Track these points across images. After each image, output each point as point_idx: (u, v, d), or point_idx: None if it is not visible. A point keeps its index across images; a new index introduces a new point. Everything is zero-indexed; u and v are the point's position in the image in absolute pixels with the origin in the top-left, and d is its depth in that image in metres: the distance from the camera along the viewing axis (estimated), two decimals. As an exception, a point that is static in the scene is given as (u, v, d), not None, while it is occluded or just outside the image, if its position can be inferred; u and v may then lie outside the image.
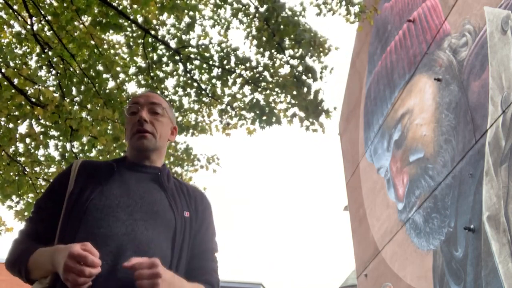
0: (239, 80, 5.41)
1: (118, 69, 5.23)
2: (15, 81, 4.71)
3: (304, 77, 4.85)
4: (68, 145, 5.25)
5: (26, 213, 5.40)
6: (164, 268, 1.22)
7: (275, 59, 5.02)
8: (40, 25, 5.25)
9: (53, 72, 5.32)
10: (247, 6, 5.06)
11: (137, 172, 1.47)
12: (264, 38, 4.89)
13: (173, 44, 5.45)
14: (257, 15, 4.99)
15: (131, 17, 5.10)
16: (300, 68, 4.86)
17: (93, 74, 4.89)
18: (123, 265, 1.19)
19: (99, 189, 1.37)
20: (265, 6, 4.80)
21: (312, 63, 4.89)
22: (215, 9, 5.43)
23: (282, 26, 4.67)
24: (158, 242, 1.33)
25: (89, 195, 1.36)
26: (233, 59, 5.28)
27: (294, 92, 4.93)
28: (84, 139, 5.19)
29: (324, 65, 4.99)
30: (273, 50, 4.92)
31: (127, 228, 1.30)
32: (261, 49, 5.06)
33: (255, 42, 5.09)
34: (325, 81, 4.98)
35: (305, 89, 4.85)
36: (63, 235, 1.32)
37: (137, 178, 1.45)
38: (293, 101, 5.09)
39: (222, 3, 5.21)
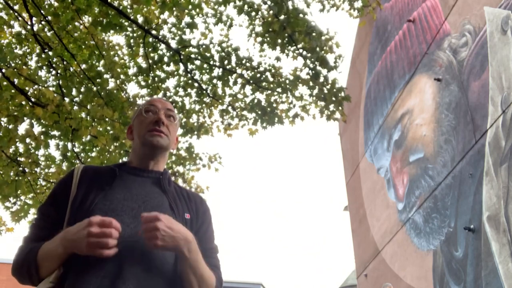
0: (240, 80, 5.40)
1: (119, 69, 5.22)
2: (15, 81, 4.70)
3: (318, 67, 4.82)
4: (69, 145, 5.24)
5: (21, 214, 5.38)
6: (175, 222, 1.31)
7: (287, 52, 5.00)
8: (40, 25, 5.25)
9: (53, 72, 5.32)
10: (250, 3, 5.04)
11: (138, 177, 1.50)
12: (272, 33, 4.86)
13: (173, 44, 5.44)
14: (260, 11, 4.96)
15: (132, 17, 5.09)
16: (313, 59, 4.83)
17: (94, 74, 4.88)
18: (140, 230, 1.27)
19: (102, 193, 1.40)
20: (270, 1, 4.77)
21: (323, 54, 4.86)
22: (216, 6, 5.41)
23: (292, 18, 4.64)
24: None
25: (93, 200, 1.38)
26: (234, 59, 5.27)
27: (311, 84, 4.90)
28: (85, 139, 5.18)
29: (338, 54, 4.97)
30: (284, 43, 4.88)
31: (132, 231, 1.32)
32: (267, 45, 5.03)
33: (259, 39, 5.08)
34: (340, 71, 4.95)
35: (322, 79, 4.82)
36: None
37: (139, 182, 1.48)
38: (309, 93, 5.05)
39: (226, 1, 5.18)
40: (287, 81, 5.10)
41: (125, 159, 5.00)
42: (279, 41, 4.85)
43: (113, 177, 1.46)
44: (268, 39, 4.95)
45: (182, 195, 1.54)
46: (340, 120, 5.16)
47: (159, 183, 1.49)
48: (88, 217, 1.32)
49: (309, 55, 4.78)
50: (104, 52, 5.30)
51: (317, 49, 4.71)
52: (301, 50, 4.84)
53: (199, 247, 1.45)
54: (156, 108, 1.56)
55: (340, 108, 4.98)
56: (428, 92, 8.68)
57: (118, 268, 1.26)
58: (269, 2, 4.77)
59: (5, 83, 4.64)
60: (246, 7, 4.99)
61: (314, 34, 4.65)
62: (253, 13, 5.04)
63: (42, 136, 4.83)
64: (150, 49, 5.35)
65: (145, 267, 1.30)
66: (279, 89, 5.15)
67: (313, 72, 4.83)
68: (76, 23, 5.06)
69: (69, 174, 1.49)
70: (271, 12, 4.80)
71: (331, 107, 4.98)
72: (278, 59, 5.07)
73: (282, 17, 4.65)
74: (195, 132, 5.59)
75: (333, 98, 4.92)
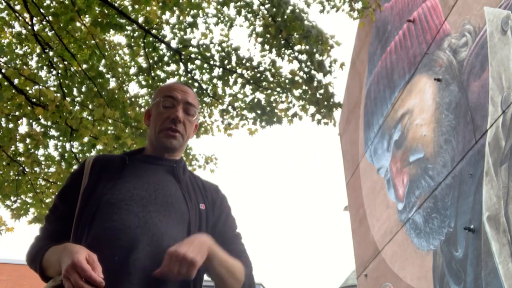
0: (240, 80, 5.41)
1: (120, 69, 5.23)
2: (15, 81, 4.71)
3: (313, 71, 4.82)
4: (67, 145, 5.24)
5: (22, 212, 5.39)
6: (187, 241, 1.25)
7: (283, 55, 5.00)
8: (41, 25, 5.25)
9: (54, 72, 5.32)
10: (250, 4, 5.05)
11: (152, 165, 1.46)
12: (268, 36, 4.87)
13: (174, 44, 5.45)
14: (260, 12, 4.98)
15: (132, 17, 5.10)
16: (309, 63, 4.82)
17: (94, 74, 4.88)
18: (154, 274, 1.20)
19: (112, 183, 1.37)
20: (269, 4, 4.78)
21: (320, 58, 4.86)
22: (218, 6, 5.42)
23: (288, 23, 4.64)
24: (172, 234, 1.31)
25: (102, 190, 1.36)
26: (234, 58, 5.28)
27: (304, 87, 4.90)
28: (85, 139, 5.18)
29: (333, 58, 4.95)
30: (281, 46, 4.89)
31: (140, 221, 1.29)
32: (267, 46, 5.04)
33: (259, 39, 5.08)
34: (334, 76, 4.96)
35: (316, 83, 4.82)
36: (76, 231, 1.33)
37: (152, 170, 1.44)
38: (302, 97, 5.06)
39: (226, 0, 5.19)
40: (287, 81, 5.10)
41: None
42: (275, 43, 4.86)
43: (123, 165, 1.43)
44: (267, 40, 4.96)
45: (197, 184, 1.50)
46: (332, 124, 5.17)
47: (173, 172, 1.45)
48: (97, 208, 1.31)
49: (304, 58, 4.78)
50: (104, 52, 5.30)
51: (315, 53, 4.71)
52: (297, 54, 4.84)
53: (221, 237, 1.42)
54: (176, 100, 1.48)
55: (330, 113, 4.99)
56: (428, 92, 8.69)
57: (124, 262, 1.23)
58: (267, 6, 4.78)
59: (5, 83, 4.64)
60: (243, 11, 5.01)
61: (310, 37, 4.64)
62: (250, 16, 5.06)
63: (41, 137, 4.83)
64: (150, 49, 5.36)
65: (153, 259, 1.25)
66: (278, 89, 5.15)
67: (308, 76, 4.83)
68: (77, 23, 5.06)
69: (81, 165, 1.47)
70: (267, 15, 4.81)
71: (323, 111, 4.99)
72: (273, 62, 5.08)
73: (279, 19, 4.65)
74: None
75: (325, 103, 4.93)
